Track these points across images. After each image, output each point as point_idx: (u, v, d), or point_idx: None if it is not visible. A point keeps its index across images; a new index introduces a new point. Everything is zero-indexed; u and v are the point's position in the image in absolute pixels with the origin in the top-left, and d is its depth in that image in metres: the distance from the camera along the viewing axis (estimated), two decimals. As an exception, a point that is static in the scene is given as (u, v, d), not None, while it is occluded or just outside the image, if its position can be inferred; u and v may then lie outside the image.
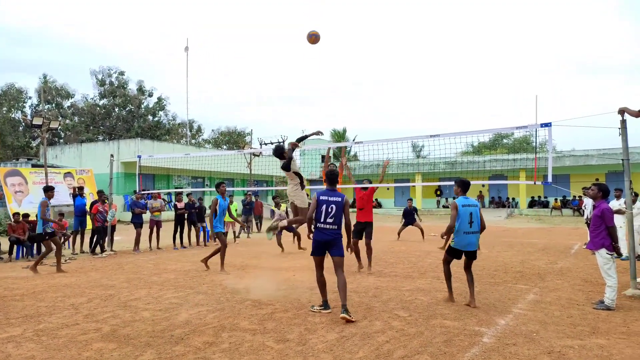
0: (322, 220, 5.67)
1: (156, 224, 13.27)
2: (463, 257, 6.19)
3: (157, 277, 8.38)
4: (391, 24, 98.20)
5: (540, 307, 5.91)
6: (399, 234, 15.25)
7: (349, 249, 6.12)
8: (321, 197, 5.72)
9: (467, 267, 6.21)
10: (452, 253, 6.23)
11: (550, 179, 7.74)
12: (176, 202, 13.90)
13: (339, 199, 5.71)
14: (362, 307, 5.94)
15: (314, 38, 8.63)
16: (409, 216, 15.23)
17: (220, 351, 4.32)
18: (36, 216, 9.90)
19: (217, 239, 9.66)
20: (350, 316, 5.27)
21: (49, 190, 9.63)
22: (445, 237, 6.37)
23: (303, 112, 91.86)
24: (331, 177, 5.93)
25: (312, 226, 5.96)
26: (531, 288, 7.16)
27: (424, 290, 7.02)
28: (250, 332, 4.89)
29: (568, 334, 4.79)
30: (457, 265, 6.65)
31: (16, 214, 12.66)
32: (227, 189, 9.91)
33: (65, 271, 9.20)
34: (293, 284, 7.55)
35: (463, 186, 6.21)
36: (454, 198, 6.32)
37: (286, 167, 7.20)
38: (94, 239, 12.38)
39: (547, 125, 7.54)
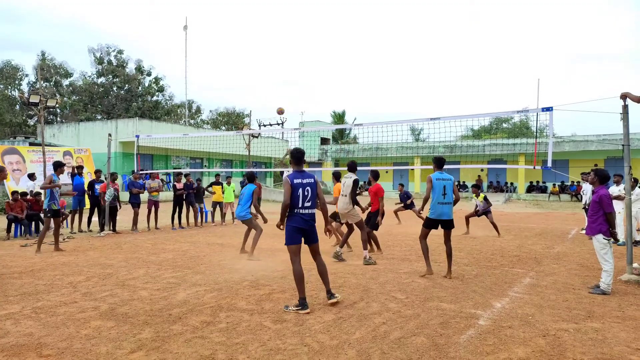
0: (300, 205, 5.22)
1: (154, 204, 13.26)
2: (443, 230, 6.81)
3: (155, 257, 8.41)
4: (392, 6, 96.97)
5: (536, 291, 5.94)
6: (396, 214, 15.12)
7: (327, 233, 6.02)
8: (295, 181, 5.24)
9: (447, 239, 6.83)
10: (428, 224, 6.81)
11: (550, 164, 7.73)
12: (175, 183, 13.87)
13: (312, 180, 5.35)
14: (359, 289, 5.96)
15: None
16: (404, 201, 14.93)
17: (218, 330, 4.34)
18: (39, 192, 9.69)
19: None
20: (337, 298, 5.27)
21: (60, 166, 9.32)
22: (421, 212, 7.14)
23: (301, 94, 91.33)
24: (297, 156, 5.48)
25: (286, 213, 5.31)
26: (528, 272, 7.20)
27: (421, 272, 7.05)
28: (248, 312, 4.91)
29: (563, 317, 4.83)
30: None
31: (14, 192, 12.63)
32: (226, 169, 9.90)
33: (63, 250, 9.21)
34: (290, 266, 7.54)
35: (438, 162, 6.96)
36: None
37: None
38: (102, 217, 12.30)
39: (548, 109, 7.50)
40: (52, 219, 9.29)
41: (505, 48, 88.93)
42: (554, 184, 30.49)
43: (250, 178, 9.28)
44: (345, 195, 8.08)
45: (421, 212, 7.15)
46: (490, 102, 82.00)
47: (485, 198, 12.44)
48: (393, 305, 5.21)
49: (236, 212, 9.28)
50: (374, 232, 9.07)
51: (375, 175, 9.11)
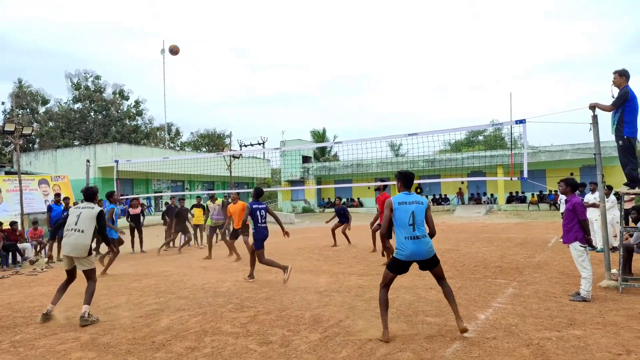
0: (260, 222, 8.05)
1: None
2: (422, 270, 4.86)
3: (138, 283, 8.26)
4: (370, 23, 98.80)
5: (519, 301, 6.02)
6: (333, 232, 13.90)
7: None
8: (254, 207, 8.16)
9: (439, 278, 4.84)
10: (394, 267, 4.73)
11: (526, 175, 7.90)
12: (129, 209, 14.03)
13: (264, 206, 8.28)
14: (344, 307, 5.96)
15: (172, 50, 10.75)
16: (342, 216, 13.89)
17: (203, 356, 4.28)
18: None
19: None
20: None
21: (112, 195, 9.78)
22: (385, 251, 4.82)
23: (281, 112, 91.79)
24: (257, 192, 8.42)
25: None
26: (510, 282, 7.29)
27: (406, 287, 7.08)
28: (233, 336, 4.86)
29: (546, 326, 4.89)
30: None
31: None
32: (207, 191, 10.16)
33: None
34: (275, 286, 7.53)
35: (404, 179, 4.89)
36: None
37: None
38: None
39: (521, 122, 7.70)
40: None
41: (476, 62, 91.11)
42: (533, 194, 31.03)
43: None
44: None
45: (384, 252, 5.05)
46: (464, 116, 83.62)
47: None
48: (379, 322, 5.19)
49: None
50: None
51: (384, 185, 9.38)
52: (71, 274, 6.13)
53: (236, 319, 5.51)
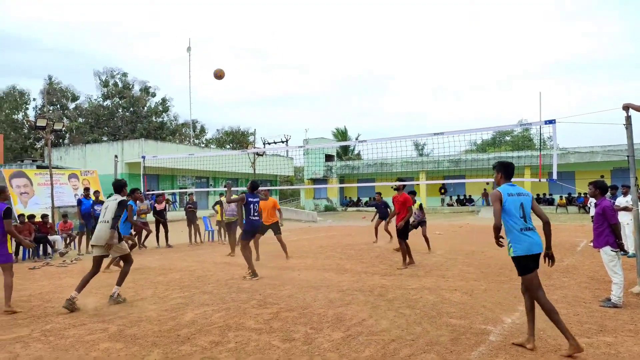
0: (252, 214, 8.27)
1: (141, 225, 13.37)
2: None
3: (163, 277, 8.40)
4: (389, 24, 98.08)
5: (546, 305, 5.87)
6: (376, 230, 14.07)
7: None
8: (249, 199, 8.31)
9: (534, 289, 4.36)
10: (523, 267, 4.37)
11: (555, 176, 7.72)
12: (156, 205, 14.16)
13: (258, 199, 8.50)
14: (367, 306, 5.93)
15: (219, 76, 11.02)
16: (383, 212, 14.15)
17: (227, 350, 4.32)
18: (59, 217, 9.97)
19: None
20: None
21: (133, 192, 9.85)
22: (501, 242, 4.37)
23: (303, 112, 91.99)
24: (253, 185, 8.55)
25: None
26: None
27: (429, 288, 7.01)
28: (256, 332, 4.89)
29: (575, 331, 4.76)
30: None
31: (21, 215, 12.71)
32: (233, 188, 10.19)
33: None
34: (298, 283, 7.55)
35: (505, 170, 4.61)
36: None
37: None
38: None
39: (551, 122, 7.51)
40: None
41: (505, 61, 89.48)
42: (561, 196, 30.33)
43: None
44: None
45: (500, 242, 4.33)
46: (492, 116, 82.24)
47: (420, 206, 11.93)
48: (402, 322, 5.17)
49: None
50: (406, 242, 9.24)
51: (403, 185, 9.48)
52: (97, 264, 6.39)
53: (259, 315, 5.55)
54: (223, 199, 13.79)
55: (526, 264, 4.33)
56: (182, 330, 4.97)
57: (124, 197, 6.59)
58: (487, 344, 4.39)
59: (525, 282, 4.40)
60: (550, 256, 4.40)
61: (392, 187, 9.94)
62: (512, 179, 4.58)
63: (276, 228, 10.63)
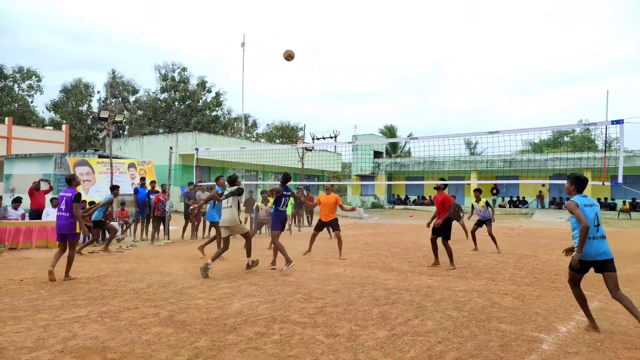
0: (281, 206, 8.45)
1: (204, 215, 13.73)
2: (601, 275, 5.00)
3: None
4: (447, 22, 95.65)
5: (605, 315, 5.56)
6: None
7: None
8: (283, 192, 8.50)
9: (613, 286, 4.84)
10: (578, 268, 4.95)
11: (620, 180, 7.27)
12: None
13: (289, 193, 8.59)
14: (413, 306, 5.83)
15: (289, 56, 11.19)
16: (453, 213, 14.45)
17: (271, 342, 4.37)
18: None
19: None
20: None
21: (218, 179, 10.33)
22: (577, 251, 4.84)
23: (353, 109, 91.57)
24: (286, 178, 8.63)
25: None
26: (596, 295, 6.76)
27: (478, 291, 6.80)
28: (301, 325, 4.92)
29: (636, 345, 4.48)
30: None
31: (83, 202, 13.44)
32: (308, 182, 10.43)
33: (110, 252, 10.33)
34: (343, 279, 7.54)
35: (577, 183, 5.13)
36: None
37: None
38: (151, 227, 12.93)
39: (618, 122, 7.07)
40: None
41: (572, 58, 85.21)
42: (624, 201, 28.60)
43: (215, 180, 10.25)
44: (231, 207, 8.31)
45: (576, 254, 4.85)
46: (551, 116, 78.59)
47: (487, 203, 11.81)
48: (449, 324, 5.04)
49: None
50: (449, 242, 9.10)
51: (444, 185, 9.30)
52: (226, 242, 8.17)
53: (304, 309, 5.58)
54: (261, 204, 13.66)
55: (584, 266, 4.91)
56: (228, 320, 5.08)
57: (236, 187, 8.18)
58: (539, 353, 4.20)
59: (572, 277, 5.09)
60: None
61: (433, 187, 9.73)
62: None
63: (335, 225, 10.21)
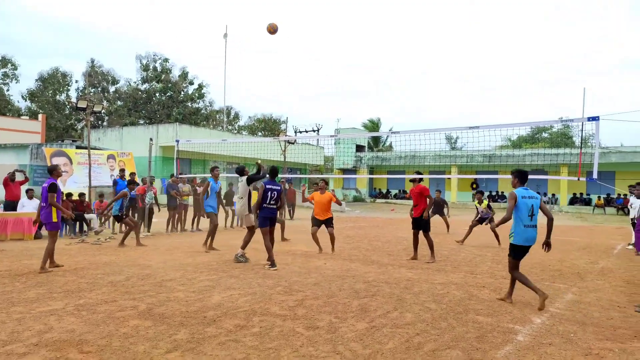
0: (268, 202, 7.88)
1: (184, 207, 13.70)
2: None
3: (192, 260, 8.57)
4: (429, 17, 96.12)
5: (578, 308, 5.71)
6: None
7: None
8: (267, 186, 7.93)
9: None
10: (516, 253, 5.74)
11: (595, 176, 7.43)
12: (196, 187, 14.42)
13: (279, 188, 8.05)
14: (393, 299, 5.89)
15: (272, 29, 11.07)
16: (438, 207, 15.00)
17: (251, 335, 4.38)
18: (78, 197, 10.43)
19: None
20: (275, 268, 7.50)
21: (214, 170, 10.20)
22: (494, 228, 6.14)
23: (336, 104, 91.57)
24: (274, 171, 8.18)
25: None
26: (570, 287, 6.93)
27: (457, 284, 6.91)
28: (281, 318, 4.93)
29: (608, 336, 4.61)
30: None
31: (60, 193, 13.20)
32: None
33: (145, 245, 10.33)
34: (324, 272, 7.57)
35: (521, 176, 5.89)
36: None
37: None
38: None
39: (594, 119, 7.22)
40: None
41: (548, 56, 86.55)
42: (599, 197, 29.31)
43: (211, 170, 10.26)
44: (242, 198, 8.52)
45: (494, 228, 6.29)
46: (529, 113, 79.81)
47: (488, 206, 12.16)
48: (427, 316, 5.12)
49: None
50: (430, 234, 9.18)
51: (420, 178, 9.33)
52: (251, 230, 8.38)
53: (284, 302, 5.59)
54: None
55: (519, 251, 5.71)
56: (208, 312, 5.06)
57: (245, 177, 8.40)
58: (514, 344, 4.30)
59: (511, 264, 5.79)
60: (547, 244, 5.71)
61: (409, 180, 9.83)
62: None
63: (329, 223, 9.97)
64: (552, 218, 5.80)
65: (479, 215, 12.23)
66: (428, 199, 8.94)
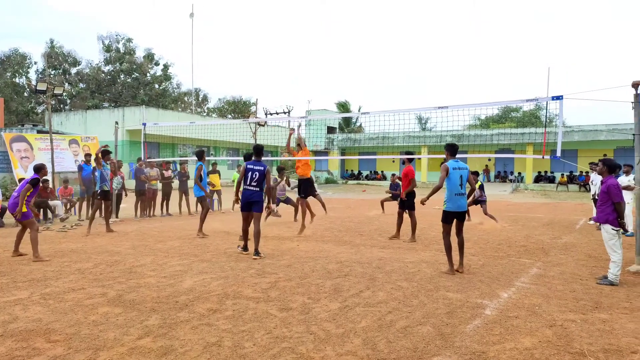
0: (248, 182, 7.32)
1: (153, 192, 13.49)
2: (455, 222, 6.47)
3: (162, 245, 8.45)
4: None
5: (543, 281, 5.92)
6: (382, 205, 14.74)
7: (267, 208, 8.52)
8: (249, 166, 7.39)
9: (459, 231, 6.49)
10: (447, 218, 6.44)
11: (559, 154, 7.64)
12: (164, 171, 14.20)
13: (262, 168, 7.36)
14: (365, 278, 5.97)
15: None
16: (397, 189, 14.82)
17: (224, 318, 4.36)
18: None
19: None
20: (261, 256, 7.12)
21: (202, 155, 9.83)
22: (424, 202, 6.66)
23: (307, 84, 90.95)
24: (258, 150, 7.57)
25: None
26: (535, 262, 7.17)
27: (427, 262, 7.05)
28: (254, 300, 4.93)
29: (571, 308, 4.80)
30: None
31: (22, 180, 12.72)
32: (233, 158, 10.16)
33: (114, 231, 10.13)
34: (297, 254, 7.59)
35: (451, 150, 6.54)
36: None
37: None
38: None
39: (558, 98, 7.39)
40: (102, 201, 10.40)
41: (514, 36, 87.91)
42: (562, 174, 30.27)
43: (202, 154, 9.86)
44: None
45: (424, 202, 6.62)
46: (499, 92, 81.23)
47: (481, 187, 12.05)
48: (399, 294, 5.21)
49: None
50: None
51: (410, 158, 9.54)
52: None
53: (257, 284, 5.58)
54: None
55: (450, 217, 6.38)
56: (180, 297, 5.01)
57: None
58: (482, 318, 4.43)
59: (445, 229, 6.44)
60: (467, 212, 6.99)
61: (392, 161, 9.94)
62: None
63: (314, 190, 10.41)
64: (475, 189, 7.05)
65: (475, 197, 12.02)
66: (411, 182, 9.08)
